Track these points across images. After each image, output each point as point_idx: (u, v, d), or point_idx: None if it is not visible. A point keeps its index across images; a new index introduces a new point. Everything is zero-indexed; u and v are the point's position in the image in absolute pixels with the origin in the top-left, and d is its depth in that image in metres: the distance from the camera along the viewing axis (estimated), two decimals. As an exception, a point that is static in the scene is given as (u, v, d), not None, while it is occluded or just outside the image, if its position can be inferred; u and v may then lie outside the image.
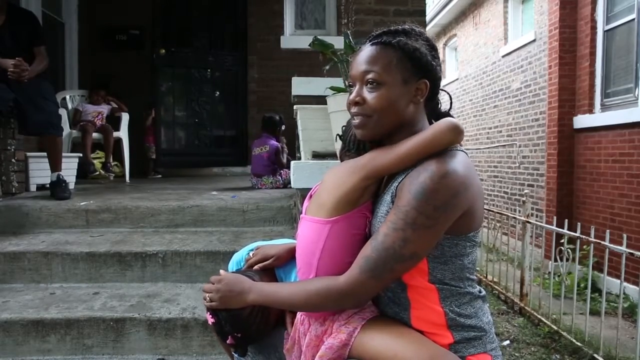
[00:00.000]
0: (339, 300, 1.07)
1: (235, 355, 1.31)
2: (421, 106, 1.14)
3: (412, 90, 1.10)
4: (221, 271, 1.30)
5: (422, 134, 1.06)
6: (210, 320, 1.25)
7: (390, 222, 1.03)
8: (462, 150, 1.08)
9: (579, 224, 3.29)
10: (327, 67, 2.58)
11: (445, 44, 9.95)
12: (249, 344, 1.29)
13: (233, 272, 1.33)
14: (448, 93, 1.27)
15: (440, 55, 9.40)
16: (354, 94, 1.12)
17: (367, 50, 1.12)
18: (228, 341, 1.26)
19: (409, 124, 1.12)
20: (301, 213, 1.25)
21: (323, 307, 1.11)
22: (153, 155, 5.75)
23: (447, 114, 1.20)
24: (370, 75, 1.09)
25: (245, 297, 1.18)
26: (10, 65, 2.96)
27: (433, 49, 1.14)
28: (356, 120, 1.13)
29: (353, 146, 1.26)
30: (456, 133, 1.05)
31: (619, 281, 2.79)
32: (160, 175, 5.73)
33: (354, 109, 1.13)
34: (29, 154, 3.58)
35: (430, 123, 1.17)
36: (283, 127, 4.46)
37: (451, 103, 1.25)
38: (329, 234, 1.12)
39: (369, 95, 1.10)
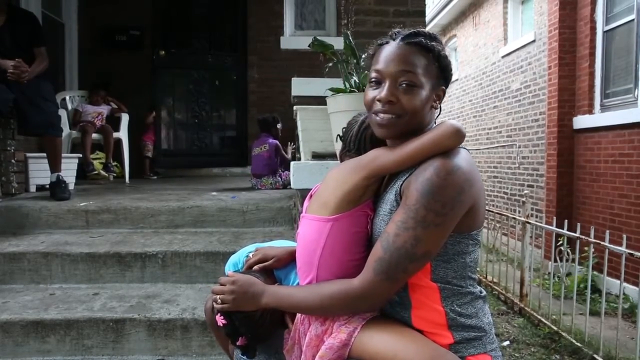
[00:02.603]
0: (354, 304, 1.07)
1: (244, 357, 1.31)
2: (434, 110, 1.15)
3: (434, 96, 1.12)
4: (229, 272, 1.30)
5: (425, 137, 1.06)
6: (222, 322, 1.23)
7: (400, 221, 1.02)
8: (462, 147, 1.08)
9: (578, 224, 3.29)
10: (330, 65, 2.57)
11: (445, 45, 9.94)
12: (259, 344, 1.29)
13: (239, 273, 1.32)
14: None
15: (440, 56, 9.38)
16: (387, 92, 1.08)
17: (402, 49, 1.09)
18: (239, 342, 1.26)
19: (423, 127, 1.13)
20: (301, 213, 1.25)
21: (338, 310, 1.10)
22: (148, 153, 5.69)
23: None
24: (407, 77, 1.07)
25: (259, 300, 1.18)
26: (9, 66, 2.96)
27: None
28: (382, 119, 1.10)
29: (353, 147, 1.26)
30: (458, 137, 1.05)
31: (618, 281, 2.79)
32: (155, 177, 5.69)
33: (383, 107, 1.09)
34: (28, 154, 3.58)
35: None
36: (279, 126, 4.45)
37: (440, 109, 1.25)
38: (330, 232, 1.12)
39: (403, 96, 1.08)
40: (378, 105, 1.10)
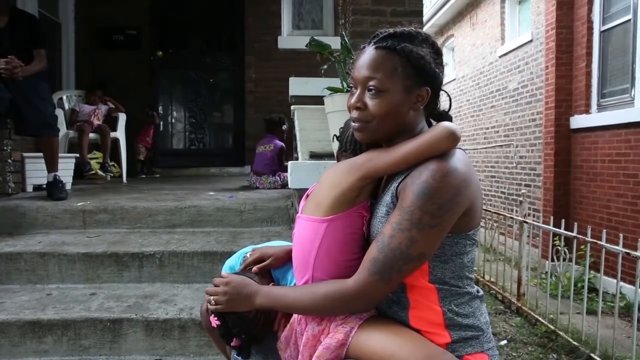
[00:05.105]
0: (348, 304, 1.07)
1: (239, 358, 1.31)
2: (421, 111, 1.13)
3: (413, 98, 1.10)
4: (223, 273, 1.29)
5: (420, 139, 1.06)
6: (215, 323, 1.23)
7: (395, 222, 1.02)
8: (459, 148, 1.08)
9: (575, 224, 3.30)
10: (325, 67, 2.58)
11: (442, 45, 9.96)
12: (253, 345, 1.29)
13: (234, 273, 1.32)
14: (448, 94, 1.25)
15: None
16: (355, 99, 1.11)
17: (370, 54, 1.10)
18: (233, 343, 1.26)
19: (408, 129, 1.12)
20: (298, 213, 1.25)
21: (332, 310, 1.10)
22: (141, 156, 5.62)
23: (445, 113, 1.20)
24: (372, 82, 1.08)
25: (252, 301, 1.17)
26: (2, 62, 2.95)
27: (438, 54, 1.12)
28: (355, 124, 1.13)
29: (350, 147, 1.26)
30: (453, 140, 1.04)
31: (615, 280, 2.80)
32: (144, 176, 5.63)
33: (354, 113, 1.12)
34: (25, 154, 3.57)
35: (429, 123, 1.18)
36: (284, 127, 4.47)
37: (450, 103, 1.24)
38: (326, 232, 1.12)
39: (370, 102, 1.08)
40: (351, 112, 1.13)
